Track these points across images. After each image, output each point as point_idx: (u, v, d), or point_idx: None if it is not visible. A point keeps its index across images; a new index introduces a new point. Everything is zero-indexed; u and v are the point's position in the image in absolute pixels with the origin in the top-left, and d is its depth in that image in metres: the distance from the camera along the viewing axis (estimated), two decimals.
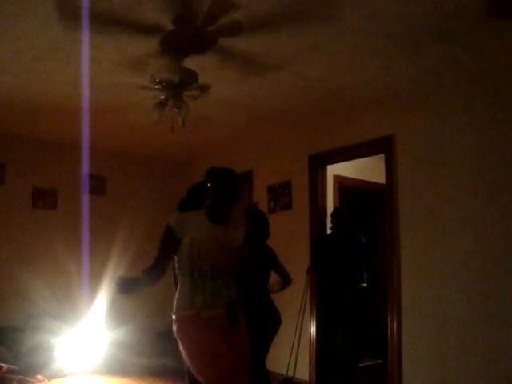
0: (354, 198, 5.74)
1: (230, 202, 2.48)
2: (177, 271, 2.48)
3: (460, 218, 3.62)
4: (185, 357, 2.36)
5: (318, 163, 4.84)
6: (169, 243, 2.40)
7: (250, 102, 4.28)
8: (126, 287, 2.31)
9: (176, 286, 2.53)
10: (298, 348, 4.60)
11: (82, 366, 4.66)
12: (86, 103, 4.14)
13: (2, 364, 4.43)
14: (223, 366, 2.26)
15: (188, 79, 3.33)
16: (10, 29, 2.93)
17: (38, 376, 4.63)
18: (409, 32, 2.96)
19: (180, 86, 3.31)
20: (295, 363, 4.56)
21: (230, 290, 2.46)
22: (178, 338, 2.38)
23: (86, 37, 3.04)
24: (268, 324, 3.38)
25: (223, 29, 2.89)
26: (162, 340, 5.56)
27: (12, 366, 4.51)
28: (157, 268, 2.40)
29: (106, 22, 2.88)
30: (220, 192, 2.45)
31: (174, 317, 2.42)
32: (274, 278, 3.63)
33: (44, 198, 5.50)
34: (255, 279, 3.38)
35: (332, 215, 4.65)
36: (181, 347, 2.37)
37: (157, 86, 3.28)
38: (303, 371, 4.59)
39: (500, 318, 3.31)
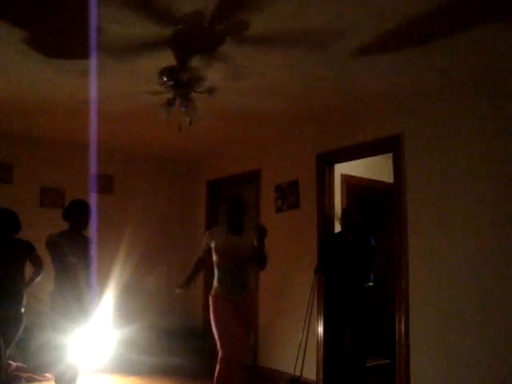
0: (362, 197, 5.71)
1: (237, 220, 3.62)
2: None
3: (468, 216, 3.59)
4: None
5: (325, 162, 4.82)
6: (204, 248, 3.69)
7: (256, 101, 4.27)
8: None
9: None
10: (306, 347, 4.60)
11: (90, 364, 4.67)
12: (94, 104, 4.14)
13: (11, 362, 4.46)
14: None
15: (195, 78, 3.33)
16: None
17: (47, 374, 4.66)
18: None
19: (187, 85, 3.31)
20: (302, 362, 4.56)
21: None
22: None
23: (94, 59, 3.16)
24: None
25: (231, 28, 2.88)
26: (170, 338, 5.57)
27: (21, 364, 4.55)
28: (203, 260, 3.76)
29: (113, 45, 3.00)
30: (229, 214, 3.63)
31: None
32: None
33: (52, 197, 5.52)
34: None
35: (341, 215, 4.62)
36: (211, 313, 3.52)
37: (164, 86, 3.28)
38: (310, 370, 4.58)
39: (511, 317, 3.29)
